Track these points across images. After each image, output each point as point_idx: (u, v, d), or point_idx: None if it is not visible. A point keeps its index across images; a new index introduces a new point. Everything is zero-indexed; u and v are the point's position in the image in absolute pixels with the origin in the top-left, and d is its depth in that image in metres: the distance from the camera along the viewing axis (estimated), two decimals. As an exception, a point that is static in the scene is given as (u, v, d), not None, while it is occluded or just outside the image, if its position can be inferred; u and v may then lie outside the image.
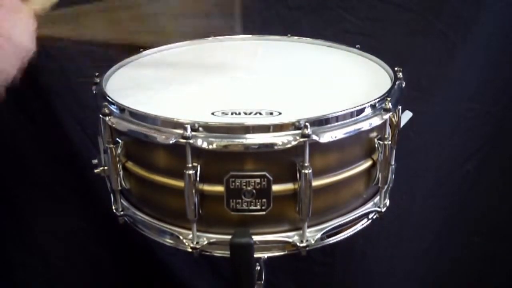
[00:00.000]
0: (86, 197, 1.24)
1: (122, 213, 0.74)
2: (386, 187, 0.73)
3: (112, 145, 0.68)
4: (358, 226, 0.73)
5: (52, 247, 1.29)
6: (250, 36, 0.99)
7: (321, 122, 0.62)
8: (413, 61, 1.12)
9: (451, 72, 1.18)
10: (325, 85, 0.79)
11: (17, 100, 1.17)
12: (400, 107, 0.74)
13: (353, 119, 0.65)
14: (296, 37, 1.00)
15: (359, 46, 0.91)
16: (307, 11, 1.16)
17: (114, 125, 0.67)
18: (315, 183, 0.63)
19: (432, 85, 1.18)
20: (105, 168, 0.73)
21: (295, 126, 0.61)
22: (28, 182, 1.23)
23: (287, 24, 1.16)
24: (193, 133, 0.60)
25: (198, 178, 0.62)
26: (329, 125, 0.63)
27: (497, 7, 1.13)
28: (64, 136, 1.19)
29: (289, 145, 0.61)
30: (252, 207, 0.63)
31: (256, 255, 0.65)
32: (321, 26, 1.15)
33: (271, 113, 0.65)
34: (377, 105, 0.67)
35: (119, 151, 0.69)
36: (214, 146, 0.61)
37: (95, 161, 0.75)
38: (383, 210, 0.75)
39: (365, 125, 0.66)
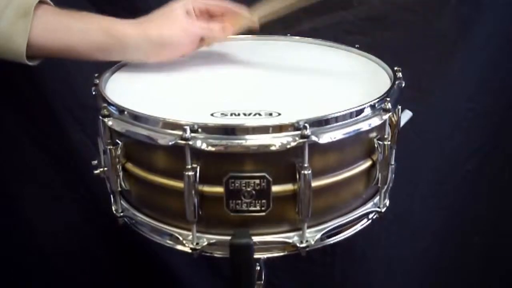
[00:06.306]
0: (86, 197, 1.24)
1: (122, 214, 0.74)
2: (386, 187, 0.73)
3: (111, 146, 0.68)
4: (358, 226, 0.72)
5: (52, 247, 1.29)
6: (250, 36, 0.99)
7: (320, 123, 0.62)
8: (413, 61, 1.12)
9: (451, 72, 1.17)
10: (325, 85, 0.78)
11: (17, 100, 1.17)
12: (399, 107, 0.74)
13: (352, 119, 0.65)
14: (296, 37, 1.00)
15: (358, 46, 0.91)
16: (307, 11, 1.16)
17: (113, 127, 0.67)
18: (315, 183, 0.63)
19: (432, 85, 1.18)
20: (105, 169, 0.73)
21: (294, 127, 0.61)
22: (28, 182, 1.23)
23: (287, 24, 1.16)
24: (192, 134, 0.60)
25: (197, 179, 0.62)
26: (328, 126, 0.63)
27: (497, 7, 1.13)
28: (64, 136, 1.19)
29: (288, 146, 0.60)
30: (252, 208, 0.63)
31: (256, 255, 0.65)
32: (321, 26, 1.14)
33: (271, 114, 0.65)
34: (376, 105, 0.67)
35: (118, 152, 0.68)
36: (214, 147, 0.60)
37: (94, 162, 0.75)
38: (383, 210, 0.75)
39: (364, 126, 0.66)
